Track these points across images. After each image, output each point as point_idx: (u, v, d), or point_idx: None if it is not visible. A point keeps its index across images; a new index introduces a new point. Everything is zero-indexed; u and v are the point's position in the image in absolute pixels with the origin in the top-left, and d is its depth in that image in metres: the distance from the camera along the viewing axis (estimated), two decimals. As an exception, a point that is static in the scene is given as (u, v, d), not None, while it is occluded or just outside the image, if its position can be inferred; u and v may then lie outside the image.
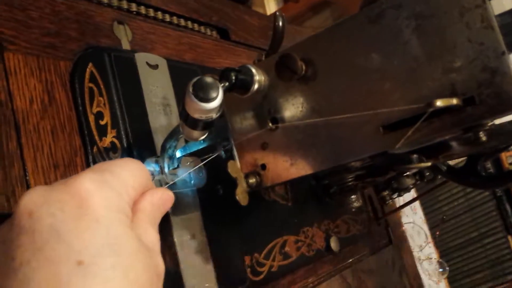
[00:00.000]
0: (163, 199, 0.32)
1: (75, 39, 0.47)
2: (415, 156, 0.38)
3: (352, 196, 0.43)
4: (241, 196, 0.42)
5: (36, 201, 0.25)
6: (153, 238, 0.29)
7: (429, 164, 0.39)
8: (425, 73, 0.36)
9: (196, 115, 0.37)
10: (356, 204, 0.42)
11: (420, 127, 0.35)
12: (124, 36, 0.53)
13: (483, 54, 0.34)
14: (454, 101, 0.32)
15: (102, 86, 0.47)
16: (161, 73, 0.55)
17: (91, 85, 0.46)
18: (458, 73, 0.35)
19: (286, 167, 0.42)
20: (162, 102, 0.53)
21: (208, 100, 0.36)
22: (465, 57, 0.34)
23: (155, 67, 0.54)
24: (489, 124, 0.36)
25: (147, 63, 0.53)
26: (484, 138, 0.35)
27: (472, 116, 0.34)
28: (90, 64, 0.46)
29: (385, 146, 0.37)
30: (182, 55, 0.60)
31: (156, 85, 0.53)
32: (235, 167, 0.43)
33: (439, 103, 0.32)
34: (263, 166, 0.43)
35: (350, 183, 0.44)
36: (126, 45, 0.52)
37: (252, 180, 0.43)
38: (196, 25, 0.67)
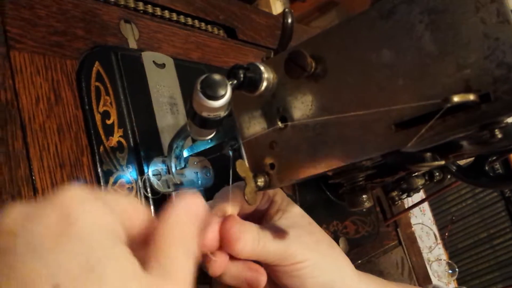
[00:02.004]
0: (188, 209, 0.27)
1: (81, 37, 0.46)
2: (428, 154, 0.37)
3: (363, 196, 0.42)
4: (250, 196, 0.41)
5: (16, 218, 0.22)
6: (178, 266, 0.24)
7: (442, 162, 0.38)
8: (439, 69, 0.35)
9: (204, 113, 0.36)
10: (367, 204, 0.41)
11: (434, 124, 0.34)
12: (131, 35, 0.52)
13: (499, 49, 0.33)
14: (471, 96, 0.31)
15: (108, 85, 0.46)
16: (168, 72, 0.54)
17: (97, 84, 0.45)
18: (472, 69, 0.34)
19: (296, 167, 0.42)
20: (169, 101, 0.53)
21: (216, 98, 0.35)
22: (480, 53, 0.33)
23: (162, 66, 0.53)
24: (505, 121, 0.35)
25: (154, 62, 0.52)
26: (500, 136, 0.34)
27: (488, 113, 0.33)
28: (97, 63, 0.46)
29: (397, 144, 0.36)
30: (189, 54, 0.60)
31: (163, 84, 0.53)
32: (243, 167, 0.42)
33: (456, 98, 0.31)
34: (272, 166, 0.43)
35: (360, 182, 0.43)
36: (133, 44, 0.52)
37: (260, 180, 0.42)
38: (203, 24, 0.66)
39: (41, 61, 0.42)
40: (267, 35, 0.79)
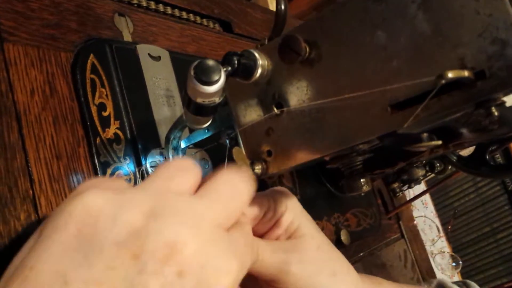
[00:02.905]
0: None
1: (75, 30, 0.46)
2: (425, 134, 0.37)
3: (361, 180, 0.42)
4: (247, 183, 0.41)
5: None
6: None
7: (439, 142, 0.37)
8: (433, 48, 0.35)
9: (199, 100, 0.36)
10: (365, 188, 0.41)
11: (429, 104, 0.34)
12: (126, 28, 0.52)
13: (492, 25, 0.32)
14: (466, 73, 0.31)
15: (104, 77, 0.46)
16: (164, 64, 0.54)
17: (92, 76, 0.45)
18: (466, 47, 0.33)
19: (292, 152, 0.41)
20: (165, 93, 0.53)
21: (210, 83, 0.35)
22: (474, 30, 0.33)
23: (157, 58, 0.53)
24: (502, 98, 0.35)
25: (149, 55, 0.52)
26: (496, 114, 0.33)
27: (483, 90, 0.33)
28: (91, 55, 0.46)
29: (393, 125, 0.36)
30: (184, 47, 0.60)
31: (159, 77, 0.53)
32: (240, 154, 0.42)
33: (451, 74, 0.31)
34: (269, 153, 0.42)
35: (358, 167, 0.43)
36: (127, 37, 0.52)
37: (258, 167, 0.42)
38: (198, 18, 0.66)
39: (35, 54, 0.42)
40: (262, 29, 0.79)
